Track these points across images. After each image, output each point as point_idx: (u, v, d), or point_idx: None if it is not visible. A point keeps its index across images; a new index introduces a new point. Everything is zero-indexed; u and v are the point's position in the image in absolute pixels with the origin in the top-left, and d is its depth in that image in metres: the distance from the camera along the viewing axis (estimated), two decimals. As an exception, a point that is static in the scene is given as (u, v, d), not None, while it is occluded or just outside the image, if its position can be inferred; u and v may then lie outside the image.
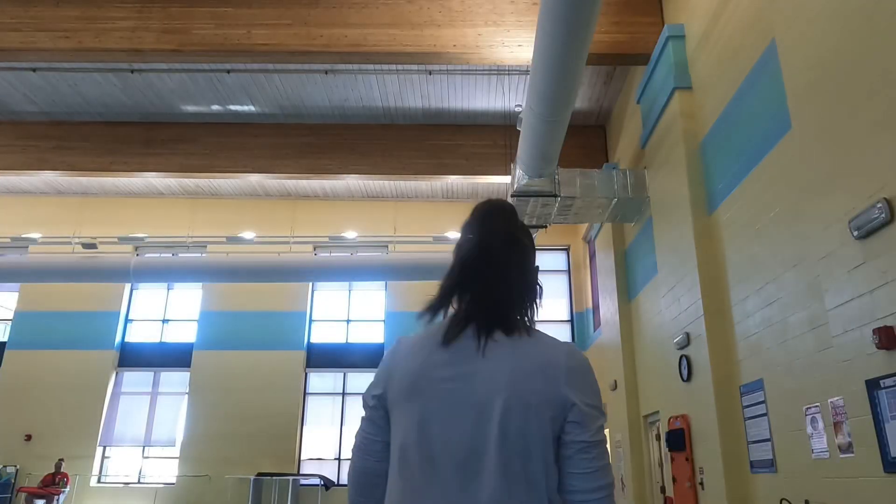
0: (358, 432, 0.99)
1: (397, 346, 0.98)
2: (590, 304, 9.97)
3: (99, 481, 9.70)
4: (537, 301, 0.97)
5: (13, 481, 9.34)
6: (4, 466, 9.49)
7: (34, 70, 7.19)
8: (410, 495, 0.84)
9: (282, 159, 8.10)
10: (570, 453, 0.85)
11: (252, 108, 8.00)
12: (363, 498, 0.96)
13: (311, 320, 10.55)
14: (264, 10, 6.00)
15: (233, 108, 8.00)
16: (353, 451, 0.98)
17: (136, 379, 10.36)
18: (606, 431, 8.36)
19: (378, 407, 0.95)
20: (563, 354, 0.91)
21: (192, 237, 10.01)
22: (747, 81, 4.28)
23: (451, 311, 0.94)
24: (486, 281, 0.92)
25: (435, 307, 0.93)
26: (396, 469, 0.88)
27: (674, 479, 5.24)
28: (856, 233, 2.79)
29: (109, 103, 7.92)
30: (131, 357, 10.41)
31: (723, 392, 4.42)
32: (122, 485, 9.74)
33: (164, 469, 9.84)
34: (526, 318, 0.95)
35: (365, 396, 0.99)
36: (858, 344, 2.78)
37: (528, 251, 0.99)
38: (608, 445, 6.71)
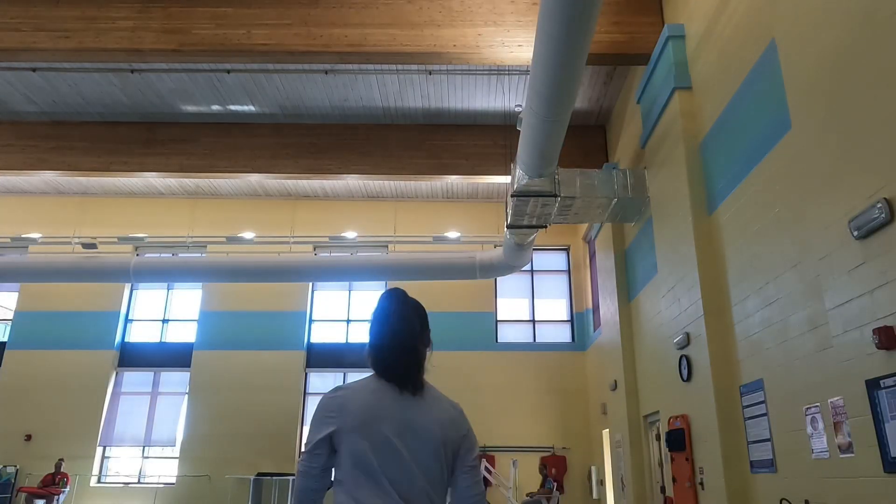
0: (302, 461, 1.34)
1: (344, 393, 1.35)
2: (590, 305, 9.97)
3: (99, 481, 9.69)
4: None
5: (13, 481, 9.34)
6: (4, 466, 9.49)
7: (34, 70, 7.19)
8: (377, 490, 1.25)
9: (282, 159, 8.10)
10: (465, 471, 1.37)
11: (252, 108, 7.99)
12: None
13: (311, 320, 10.55)
14: (264, 10, 6.00)
15: (233, 108, 7.99)
16: (298, 474, 1.36)
17: (136, 379, 10.36)
18: (606, 431, 8.35)
19: (325, 444, 1.31)
20: (453, 408, 1.40)
21: (192, 237, 10.01)
22: (747, 81, 4.28)
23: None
24: (407, 357, 1.36)
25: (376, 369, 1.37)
26: (363, 477, 1.27)
27: (674, 479, 5.24)
28: (856, 233, 2.79)
29: (109, 103, 7.92)
30: (131, 357, 10.41)
31: (723, 392, 4.42)
32: (122, 485, 9.74)
33: (164, 469, 9.84)
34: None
35: (313, 437, 1.32)
36: (858, 344, 2.78)
37: (425, 327, 1.42)
38: (608, 445, 6.62)
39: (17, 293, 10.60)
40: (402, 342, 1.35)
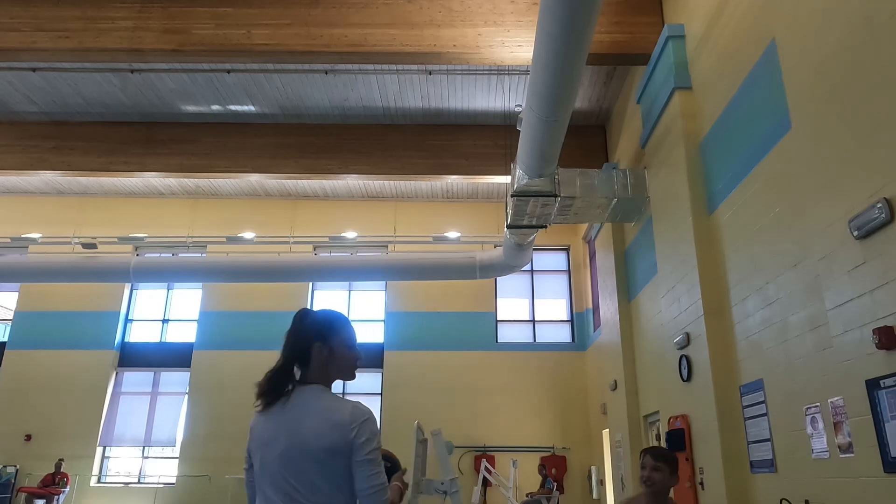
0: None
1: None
2: (590, 304, 9.97)
3: (99, 481, 9.69)
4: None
5: (13, 481, 9.33)
6: (4, 466, 9.48)
7: (34, 70, 7.19)
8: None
9: (282, 159, 8.10)
10: (356, 467, 1.43)
11: (252, 107, 7.99)
12: None
13: (311, 320, 10.54)
14: (264, 10, 5.99)
15: (233, 108, 7.99)
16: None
17: (136, 379, 10.36)
18: (606, 431, 8.35)
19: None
20: (334, 410, 1.44)
21: (192, 237, 10.01)
22: (747, 81, 4.28)
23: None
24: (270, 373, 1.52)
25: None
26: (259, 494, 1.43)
27: (674, 479, 5.23)
28: (856, 233, 2.79)
29: (109, 103, 7.92)
30: (131, 357, 10.41)
31: (723, 392, 4.42)
32: (122, 485, 9.73)
33: (165, 469, 9.83)
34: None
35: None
36: (858, 344, 2.77)
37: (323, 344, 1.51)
38: (608, 445, 6.60)
39: (16, 293, 10.60)
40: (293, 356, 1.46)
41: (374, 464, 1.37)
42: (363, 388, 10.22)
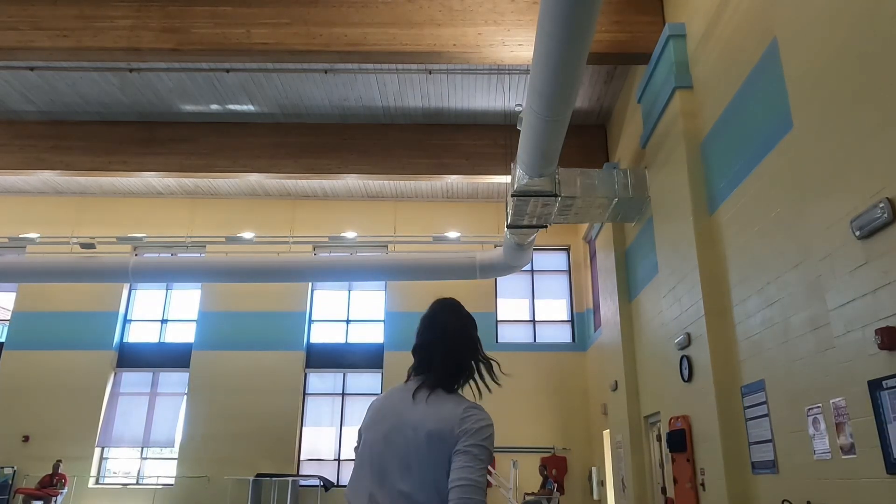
0: None
1: (379, 396, 1.46)
2: (590, 305, 9.95)
3: (97, 482, 9.66)
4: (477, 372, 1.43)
5: (11, 482, 9.30)
6: (2, 468, 9.45)
7: (32, 69, 7.17)
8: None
9: (281, 159, 8.07)
10: (456, 455, 1.32)
11: (251, 107, 7.97)
12: None
13: (310, 320, 10.52)
14: (263, 9, 5.97)
15: (232, 107, 7.97)
16: None
17: (134, 379, 10.33)
18: (607, 432, 8.34)
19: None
20: (458, 406, 1.36)
21: (191, 237, 9.98)
22: (749, 81, 4.26)
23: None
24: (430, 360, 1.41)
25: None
26: (355, 472, 1.39)
27: (675, 480, 5.22)
28: (858, 233, 2.77)
29: (108, 102, 7.89)
30: (130, 357, 10.38)
31: (724, 393, 4.40)
32: (120, 486, 9.71)
33: (163, 470, 9.81)
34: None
35: None
36: (860, 344, 2.76)
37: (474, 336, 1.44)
38: (608, 446, 6.60)
39: (14, 293, 10.57)
40: (428, 345, 1.40)
41: (470, 456, 1.24)
42: (363, 388, 10.20)
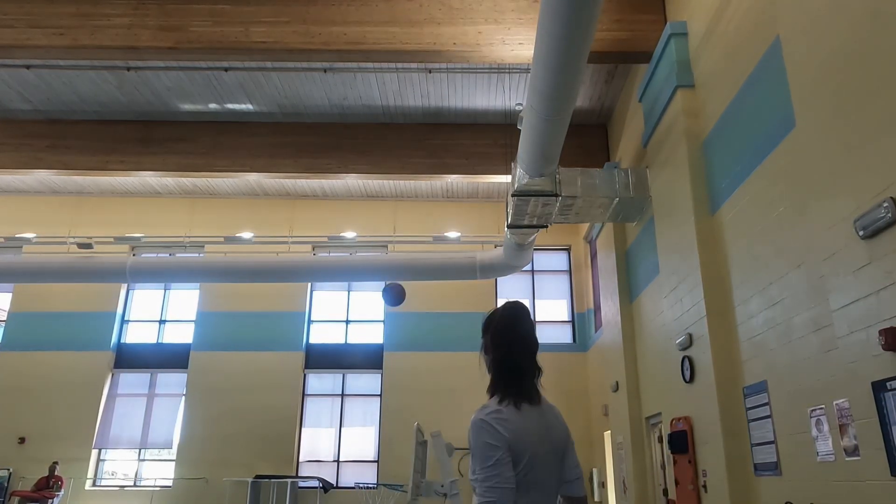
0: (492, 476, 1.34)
1: (500, 412, 1.40)
2: (591, 305, 9.92)
3: (94, 484, 9.61)
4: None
5: (6, 485, 9.23)
6: (-2, 469, 9.39)
7: (28, 67, 7.12)
8: None
9: (280, 158, 8.04)
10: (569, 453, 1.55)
11: (250, 106, 7.93)
12: None
13: (309, 321, 10.48)
14: (262, 8, 5.94)
15: (231, 106, 7.93)
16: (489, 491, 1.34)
17: (132, 380, 10.28)
18: (608, 433, 8.30)
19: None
20: (555, 409, 1.53)
21: (189, 237, 9.94)
22: (751, 79, 4.24)
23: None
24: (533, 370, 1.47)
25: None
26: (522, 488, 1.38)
27: (676, 482, 5.20)
28: (861, 232, 2.75)
29: (105, 101, 7.85)
30: (128, 358, 10.33)
31: (726, 393, 4.38)
32: (117, 488, 9.65)
33: (161, 472, 9.76)
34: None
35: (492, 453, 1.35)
36: (864, 345, 2.74)
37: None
38: (609, 447, 6.56)
39: (10, 294, 10.51)
40: (531, 357, 1.45)
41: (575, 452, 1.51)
42: (362, 389, 10.16)
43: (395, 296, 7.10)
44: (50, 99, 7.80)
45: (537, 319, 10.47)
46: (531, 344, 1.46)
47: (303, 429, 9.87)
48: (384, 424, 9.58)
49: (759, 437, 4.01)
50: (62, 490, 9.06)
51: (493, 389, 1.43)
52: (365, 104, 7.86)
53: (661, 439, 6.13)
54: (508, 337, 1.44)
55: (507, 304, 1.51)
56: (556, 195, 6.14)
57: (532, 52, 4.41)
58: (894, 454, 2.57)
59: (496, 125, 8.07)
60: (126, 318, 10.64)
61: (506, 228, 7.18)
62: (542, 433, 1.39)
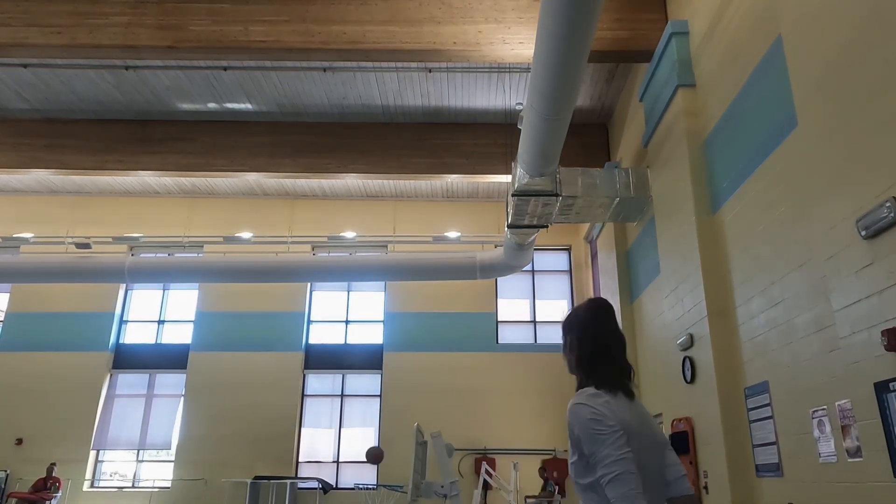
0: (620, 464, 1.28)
1: (603, 401, 1.38)
2: (590, 305, 9.89)
3: (92, 486, 9.57)
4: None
5: (3, 486, 9.19)
6: (-4, 470, 9.35)
7: (25, 66, 7.09)
8: None
9: (280, 158, 8.01)
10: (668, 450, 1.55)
11: (249, 105, 7.91)
12: None
13: (309, 321, 10.45)
14: (261, 7, 5.92)
15: (230, 105, 7.91)
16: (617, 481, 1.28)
17: (131, 381, 10.24)
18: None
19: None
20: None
21: (188, 237, 9.91)
22: (752, 78, 4.23)
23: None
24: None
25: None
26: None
27: (676, 482, 5.16)
28: (863, 232, 2.74)
29: (103, 101, 7.82)
30: (126, 359, 10.30)
31: (727, 394, 4.37)
32: (116, 489, 9.62)
33: (160, 473, 9.73)
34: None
35: (613, 440, 1.31)
36: (866, 346, 2.72)
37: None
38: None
39: (8, 294, 10.48)
40: (623, 350, 1.45)
41: None
42: (362, 389, 10.14)
43: (374, 457, 7.22)
44: (48, 98, 7.77)
45: (538, 319, 10.47)
46: (620, 337, 1.45)
47: (302, 429, 9.84)
48: (384, 425, 9.56)
49: (761, 437, 4.00)
50: (60, 491, 9.02)
51: (584, 385, 1.43)
52: (364, 104, 7.84)
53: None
54: (600, 331, 1.44)
55: (592, 300, 1.52)
56: (557, 195, 6.13)
57: (532, 51, 4.40)
58: (897, 455, 2.55)
59: (496, 125, 8.05)
60: (124, 319, 10.61)
61: (506, 228, 7.17)
62: (641, 424, 1.37)
